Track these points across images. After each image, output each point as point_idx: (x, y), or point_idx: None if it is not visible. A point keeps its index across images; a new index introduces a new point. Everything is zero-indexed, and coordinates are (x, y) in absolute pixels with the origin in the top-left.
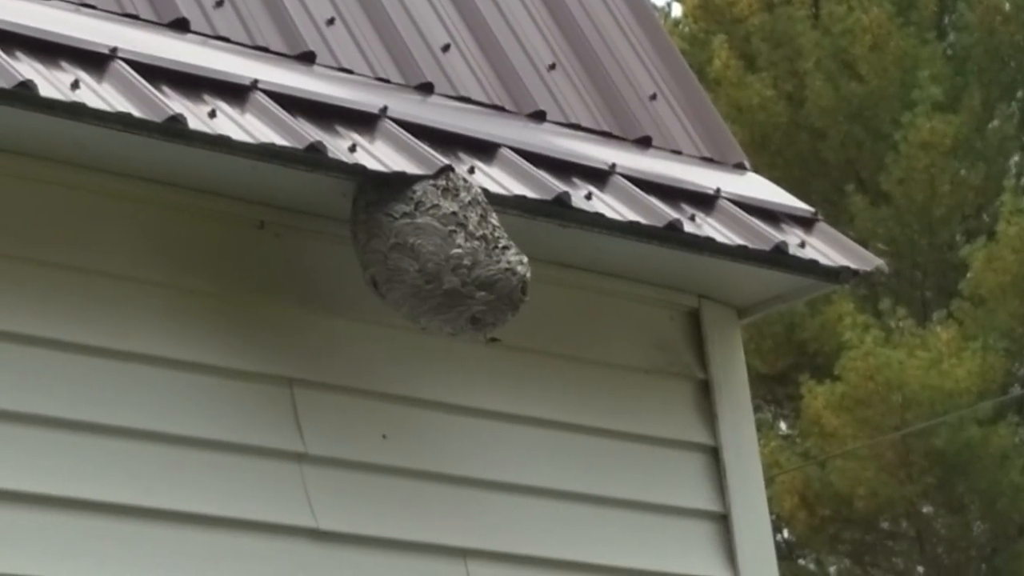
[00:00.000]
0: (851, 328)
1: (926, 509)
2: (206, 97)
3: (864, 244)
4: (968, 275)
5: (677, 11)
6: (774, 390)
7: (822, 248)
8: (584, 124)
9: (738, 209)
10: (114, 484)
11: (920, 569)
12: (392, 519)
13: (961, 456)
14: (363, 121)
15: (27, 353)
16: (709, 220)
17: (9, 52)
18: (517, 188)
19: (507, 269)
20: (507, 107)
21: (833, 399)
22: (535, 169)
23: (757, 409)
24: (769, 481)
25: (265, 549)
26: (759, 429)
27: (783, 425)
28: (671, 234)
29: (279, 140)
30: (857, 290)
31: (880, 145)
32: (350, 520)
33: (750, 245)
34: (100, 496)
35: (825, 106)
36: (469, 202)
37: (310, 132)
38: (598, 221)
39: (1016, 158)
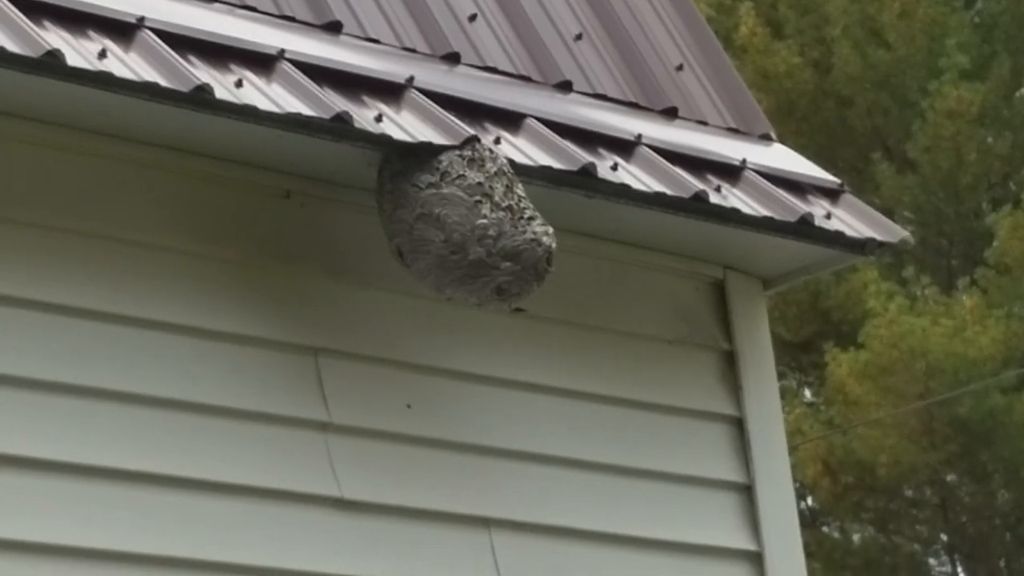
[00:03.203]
0: (875, 296)
1: (950, 477)
2: (232, 66)
3: (890, 212)
4: (994, 243)
5: None
6: (798, 357)
7: (848, 219)
8: (610, 94)
9: (764, 180)
10: (138, 452)
11: (944, 537)
12: (416, 488)
13: (985, 424)
14: (389, 91)
15: (52, 321)
16: (735, 191)
17: (36, 21)
18: (543, 159)
19: (532, 240)
20: (533, 77)
21: (857, 367)
22: (561, 140)
23: (781, 376)
24: (793, 449)
25: (289, 518)
26: (783, 396)
27: (807, 392)
28: (697, 205)
29: (305, 110)
30: (882, 258)
31: (907, 113)
32: (374, 489)
33: (776, 216)
34: (124, 464)
35: (852, 73)
36: (495, 172)
37: (336, 102)
38: (624, 192)
39: None
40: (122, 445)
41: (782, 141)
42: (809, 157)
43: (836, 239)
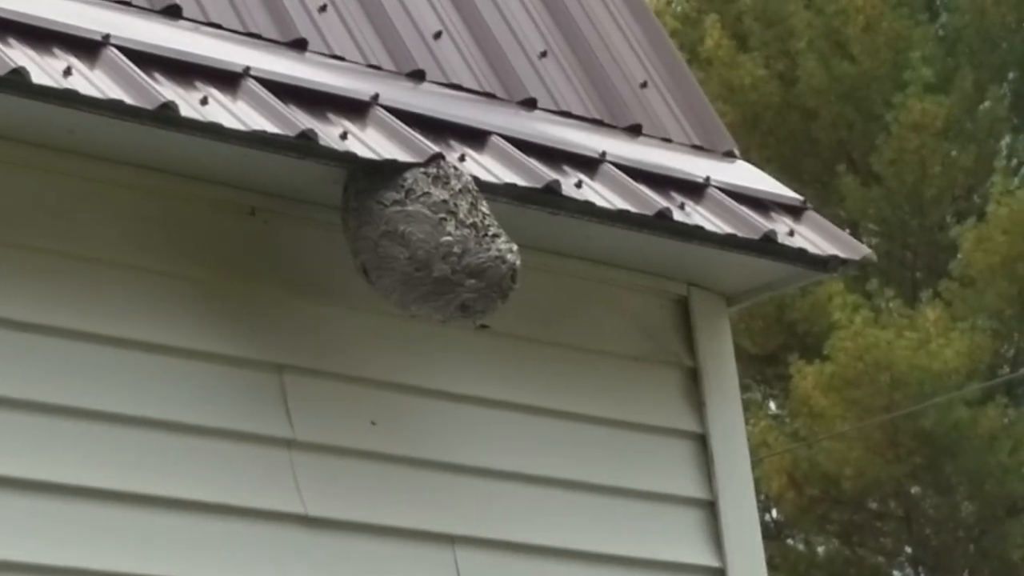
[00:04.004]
0: (841, 308)
1: (914, 490)
2: (198, 84)
3: (854, 224)
4: (958, 256)
5: None
6: (764, 370)
7: (811, 237)
8: (575, 112)
9: (727, 197)
10: (102, 470)
11: (908, 550)
12: (381, 505)
13: (949, 437)
14: (354, 108)
15: (14, 339)
16: (698, 208)
17: (1, 39)
18: (507, 176)
19: (497, 257)
20: (498, 95)
21: (822, 379)
22: (525, 157)
23: (746, 389)
24: (757, 461)
25: (254, 535)
26: (748, 409)
27: (772, 405)
28: (660, 222)
29: (270, 127)
30: (847, 271)
31: (871, 126)
32: (339, 506)
33: (739, 233)
34: (88, 482)
35: (817, 86)
36: (459, 190)
37: (301, 119)
38: (588, 209)
39: (1007, 139)
40: (85, 463)
41: (747, 154)
42: (774, 170)
43: (799, 256)
